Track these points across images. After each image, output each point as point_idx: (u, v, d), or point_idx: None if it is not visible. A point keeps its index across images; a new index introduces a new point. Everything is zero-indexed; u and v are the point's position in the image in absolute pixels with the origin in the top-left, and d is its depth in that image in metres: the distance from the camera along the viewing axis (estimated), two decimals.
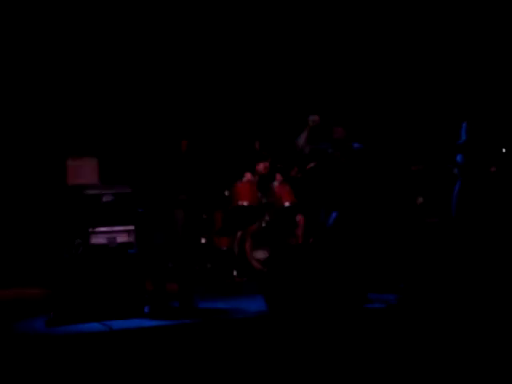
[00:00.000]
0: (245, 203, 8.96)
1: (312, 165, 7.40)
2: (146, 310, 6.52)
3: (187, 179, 7.12)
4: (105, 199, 8.00)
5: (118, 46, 9.19)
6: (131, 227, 8.11)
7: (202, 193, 9.01)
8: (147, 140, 7.03)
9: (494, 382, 4.72)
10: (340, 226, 7.20)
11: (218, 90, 9.94)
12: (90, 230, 7.44)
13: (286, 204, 8.99)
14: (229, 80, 9.94)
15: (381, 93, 9.40)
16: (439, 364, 5.08)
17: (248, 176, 9.34)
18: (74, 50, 8.95)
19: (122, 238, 8.11)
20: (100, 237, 7.86)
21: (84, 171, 7.73)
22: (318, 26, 9.83)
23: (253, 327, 5.94)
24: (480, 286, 6.46)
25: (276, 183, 9.13)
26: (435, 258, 6.77)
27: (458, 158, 7.11)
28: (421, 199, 8.56)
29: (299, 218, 9.22)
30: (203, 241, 9.21)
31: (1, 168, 8.73)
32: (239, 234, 8.99)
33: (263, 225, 8.81)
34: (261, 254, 8.84)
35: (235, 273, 8.84)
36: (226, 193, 9.11)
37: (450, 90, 8.54)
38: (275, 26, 9.71)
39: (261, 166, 9.25)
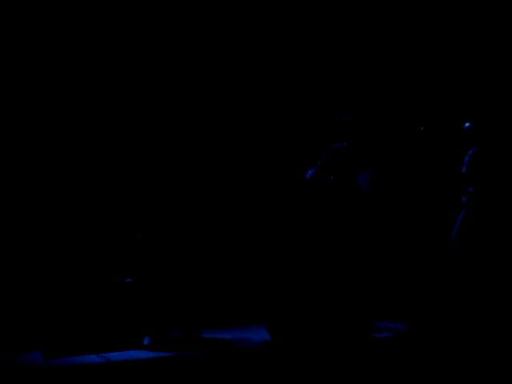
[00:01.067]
0: None
1: None
2: (146, 341, 6.34)
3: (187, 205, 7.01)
4: None
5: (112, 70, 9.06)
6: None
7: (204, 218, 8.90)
8: (145, 164, 6.92)
9: None
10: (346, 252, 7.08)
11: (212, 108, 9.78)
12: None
13: None
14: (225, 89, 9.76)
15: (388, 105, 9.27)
16: None
17: None
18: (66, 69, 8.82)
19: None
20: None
21: None
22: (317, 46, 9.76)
23: (256, 358, 5.77)
24: (487, 312, 6.35)
25: None
26: (441, 285, 6.65)
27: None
28: None
29: None
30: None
31: None
32: None
33: None
34: None
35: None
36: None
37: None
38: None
39: None
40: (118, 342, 6.07)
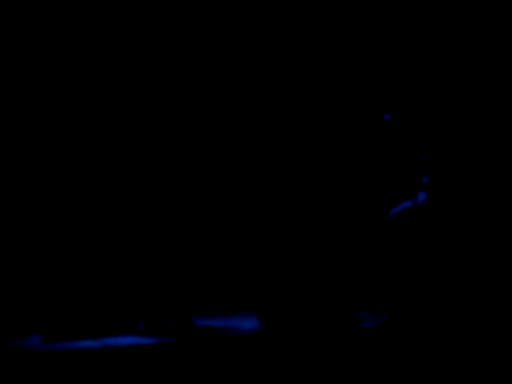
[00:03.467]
0: None
1: None
2: (141, 326, 6.52)
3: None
4: None
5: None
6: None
7: None
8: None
9: None
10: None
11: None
12: None
13: None
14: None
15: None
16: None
17: None
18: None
19: None
20: None
21: None
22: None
23: (246, 346, 5.94)
24: (470, 300, 6.52)
25: None
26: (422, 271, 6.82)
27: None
28: None
29: None
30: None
31: None
32: None
33: None
34: None
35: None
36: None
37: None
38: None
39: None
40: (115, 327, 6.26)
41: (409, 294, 6.56)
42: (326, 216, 7.61)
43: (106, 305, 6.36)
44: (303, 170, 7.95)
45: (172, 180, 7.74)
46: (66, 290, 6.34)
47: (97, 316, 6.28)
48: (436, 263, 6.74)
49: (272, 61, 9.25)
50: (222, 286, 8.71)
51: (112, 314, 6.34)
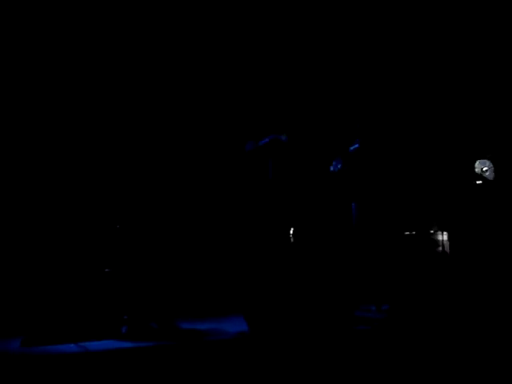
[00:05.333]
0: None
1: None
2: (124, 330, 6.37)
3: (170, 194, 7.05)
4: None
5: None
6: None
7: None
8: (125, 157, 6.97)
9: None
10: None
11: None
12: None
13: None
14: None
15: None
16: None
17: None
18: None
19: None
20: None
21: None
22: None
23: (233, 349, 5.82)
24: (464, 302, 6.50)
25: None
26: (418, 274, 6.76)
27: None
28: None
29: None
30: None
31: None
32: None
33: None
34: None
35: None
36: None
37: None
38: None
39: None
40: (97, 331, 6.10)
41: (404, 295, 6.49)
42: (312, 220, 7.54)
43: (89, 308, 6.19)
44: (283, 174, 7.91)
45: (159, 188, 7.68)
46: (46, 292, 6.16)
47: (79, 319, 6.11)
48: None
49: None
50: (209, 289, 8.62)
51: (95, 317, 6.18)
